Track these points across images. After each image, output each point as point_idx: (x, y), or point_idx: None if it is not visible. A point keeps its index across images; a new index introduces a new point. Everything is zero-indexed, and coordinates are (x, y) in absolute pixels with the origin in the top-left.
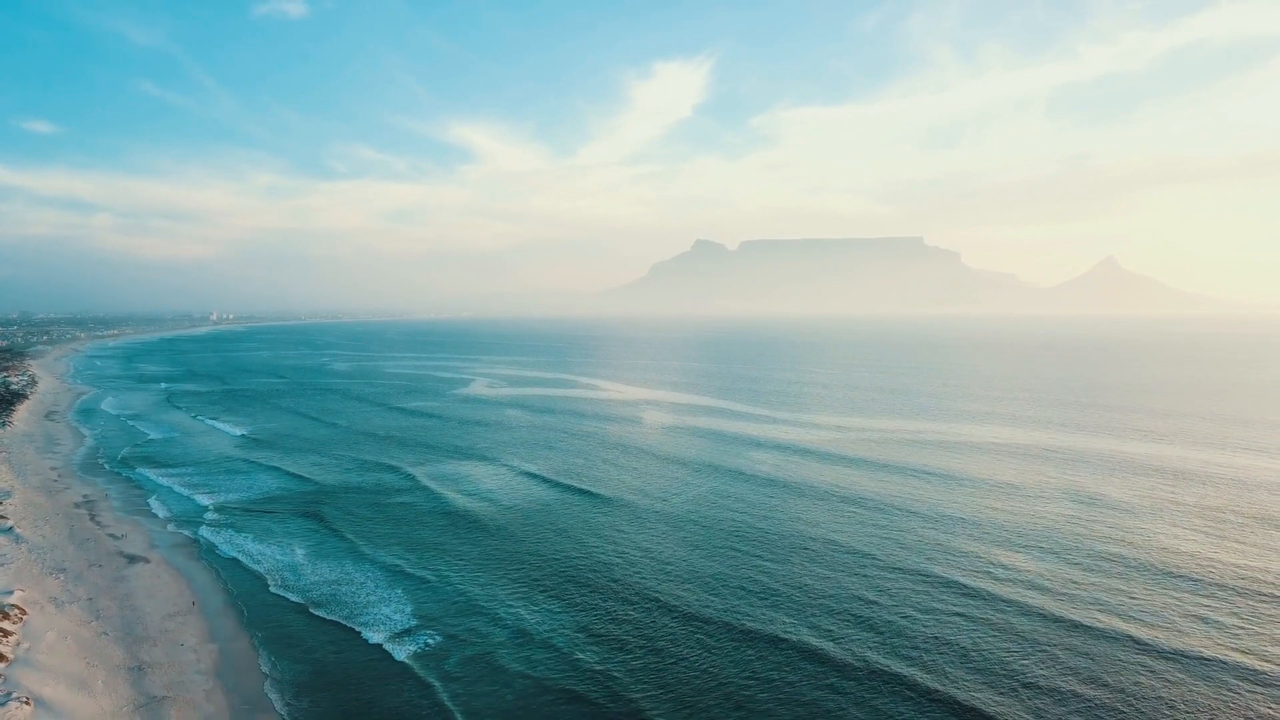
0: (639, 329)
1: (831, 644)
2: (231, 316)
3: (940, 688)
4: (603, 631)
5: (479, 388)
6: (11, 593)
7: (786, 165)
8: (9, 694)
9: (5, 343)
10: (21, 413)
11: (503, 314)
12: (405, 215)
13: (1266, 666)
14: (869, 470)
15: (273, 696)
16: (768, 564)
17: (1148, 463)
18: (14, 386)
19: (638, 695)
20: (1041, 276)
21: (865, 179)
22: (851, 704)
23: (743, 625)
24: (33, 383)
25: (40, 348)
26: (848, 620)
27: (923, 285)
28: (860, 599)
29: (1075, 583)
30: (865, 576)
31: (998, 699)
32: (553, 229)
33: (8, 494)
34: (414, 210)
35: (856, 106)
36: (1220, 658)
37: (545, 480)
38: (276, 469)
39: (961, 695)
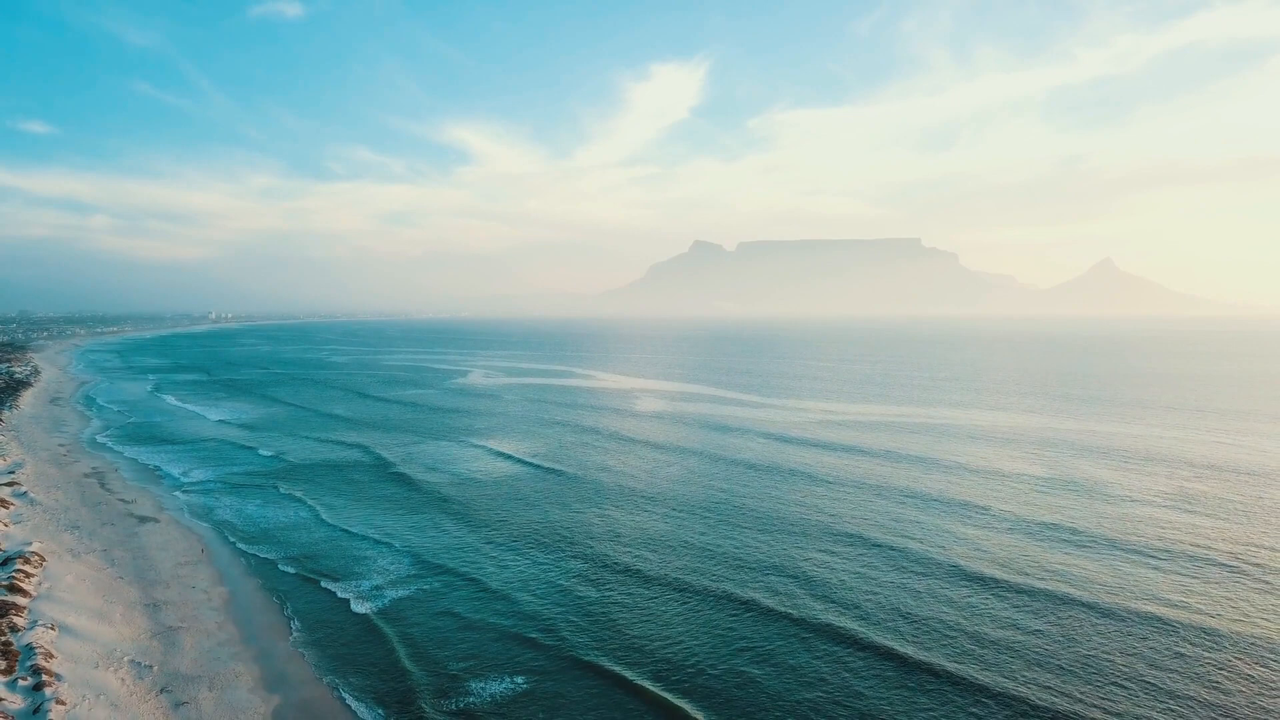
0: (637, 328)
1: (781, 599)
2: (230, 316)
3: (891, 644)
4: (564, 585)
5: (475, 378)
6: (30, 544)
7: (783, 167)
8: (35, 620)
9: (6, 338)
10: (27, 398)
11: (501, 315)
12: (402, 217)
13: (1199, 619)
14: (848, 452)
15: (283, 628)
16: (733, 532)
17: (1120, 444)
18: (18, 375)
19: (587, 640)
20: (1039, 278)
21: (862, 181)
22: (792, 645)
23: (700, 585)
24: (36, 372)
25: (41, 343)
26: (800, 581)
27: (921, 286)
28: (819, 564)
29: (1036, 551)
30: (828, 545)
31: (938, 649)
32: (550, 230)
33: (20, 465)
34: (411, 212)
35: (852, 109)
36: (1159, 615)
37: (522, 461)
38: (274, 449)
39: (904, 649)
